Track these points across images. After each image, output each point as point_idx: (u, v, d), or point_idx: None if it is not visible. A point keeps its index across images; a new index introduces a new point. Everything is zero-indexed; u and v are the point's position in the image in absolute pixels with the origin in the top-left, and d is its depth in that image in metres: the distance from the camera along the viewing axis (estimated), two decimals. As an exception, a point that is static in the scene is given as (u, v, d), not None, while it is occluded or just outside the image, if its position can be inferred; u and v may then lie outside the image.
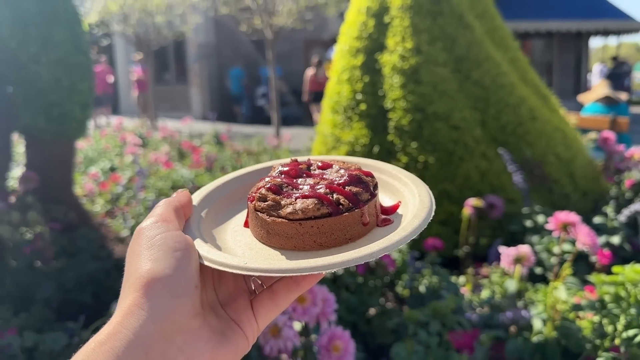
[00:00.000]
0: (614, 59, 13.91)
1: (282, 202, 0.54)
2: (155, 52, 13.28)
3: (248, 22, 9.74)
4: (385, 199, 0.63)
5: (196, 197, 0.62)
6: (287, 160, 0.65)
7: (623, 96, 5.10)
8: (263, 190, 0.56)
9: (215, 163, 5.39)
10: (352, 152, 3.28)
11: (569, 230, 2.08)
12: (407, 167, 3.09)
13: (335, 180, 0.57)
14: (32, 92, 3.03)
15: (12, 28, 2.92)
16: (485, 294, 2.41)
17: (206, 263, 0.49)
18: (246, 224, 0.60)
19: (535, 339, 1.92)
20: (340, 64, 3.53)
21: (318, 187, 0.56)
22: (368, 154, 3.21)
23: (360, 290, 2.43)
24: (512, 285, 2.12)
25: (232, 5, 9.72)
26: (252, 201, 0.57)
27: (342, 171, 0.59)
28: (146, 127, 9.60)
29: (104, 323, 1.40)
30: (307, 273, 0.47)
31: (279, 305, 0.53)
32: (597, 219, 2.85)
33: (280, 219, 0.53)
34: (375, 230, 0.56)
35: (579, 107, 5.38)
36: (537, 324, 1.96)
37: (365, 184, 0.57)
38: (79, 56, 3.13)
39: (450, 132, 3.07)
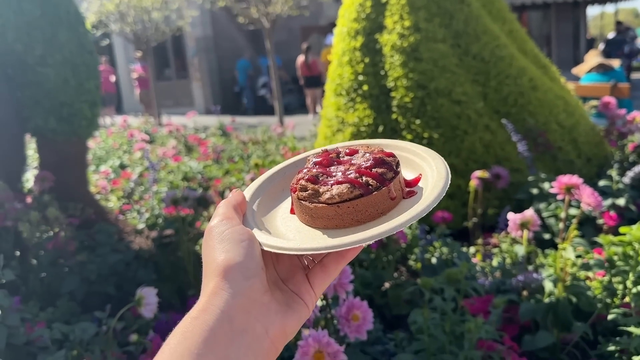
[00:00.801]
0: (618, 23, 13.70)
1: (321, 190, 0.63)
2: (154, 49, 13.29)
3: (244, 12, 9.74)
4: (407, 174, 0.71)
5: (247, 193, 0.72)
6: (319, 150, 0.74)
7: (615, 63, 5.13)
8: (303, 182, 0.65)
9: (222, 154, 5.45)
10: (357, 133, 3.33)
11: (573, 193, 2.13)
12: (412, 144, 3.14)
13: (363, 165, 0.65)
14: (41, 94, 3.09)
15: (17, 32, 2.97)
16: (496, 261, 2.47)
17: (266, 249, 0.59)
18: (292, 211, 0.70)
19: (547, 300, 1.98)
20: (340, 46, 3.57)
21: (349, 172, 0.65)
22: (373, 134, 3.27)
23: (374, 265, 2.50)
24: (521, 249, 2.18)
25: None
26: (294, 192, 0.66)
27: (367, 155, 0.68)
28: (151, 123, 9.67)
29: (130, 311, 1.50)
30: (350, 247, 0.56)
31: (330, 275, 0.63)
32: (602, 182, 2.90)
33: (321, 205, 0.63)
34: (403, 202, 0.65)
35: (576, 79, 5.40)
36: (548, 285, 2.02)
37: (388, 164, 0.65)
38: (85, 55, 3.18)
39: (453, 107, 3.12)
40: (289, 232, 0.66)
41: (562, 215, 2.57)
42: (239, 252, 0.56)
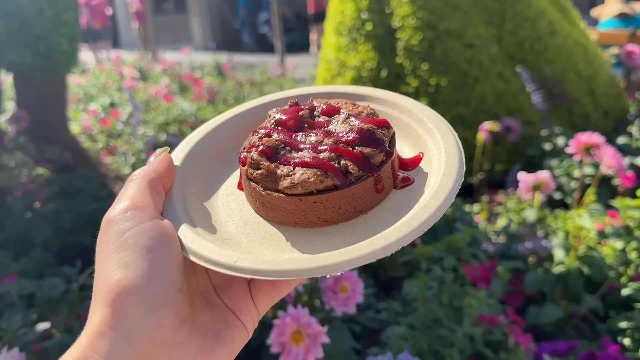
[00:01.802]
0: None
1: (278, 172, 0.44)
2: (151, -19, 12.71)
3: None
4: (404, 148, 0.52)
5: (180, 154, 0.51)
6: (289, 94, 0.55)
7: (638, 7, 4.77)
8: (255, 155, 0.46)
9: (217, 95, 5.19)
10: (358, 78, 3.08)
11: (593, 153, 1.92)
12: (417, 91, 2.89)
13: (343, 137, 0.46)
14: (15, 26, 2.83)
15: (-15, -46, 2.69)
16: (501, 222, 2.30)
17: (191, 258, 0.41)
18: (240, 186, 0.51)
19: (556, 269, 1.82)
20: (343, -20, 3.26)
21: (321, 147, 0.45)
22: (375, 79, 3.02)
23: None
24: (531, 214, 2.00)
25: None
26: (243, 164, 0.47)
27: (351, 120, 0.48)
28: (146, 60, 9.32)
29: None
30: (306, 277, 0.38)
31: (281, 291, 0.45)
32: (620, 140, 2.68)
33: (276, 194, 0.44)
34: (393, 194, 0.46)
35: (594, 22, 5.07)
36: (558, 254, 1.85)
37: (379, 142, 0.46)
38: (61, -17, 2.90)
39: (464, 51, 2.85)
40: (231, 221, 0.47)
41: (577, 174, 2.37)
42: (143, 268, 0.37)
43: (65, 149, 2.86)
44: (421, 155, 0.49)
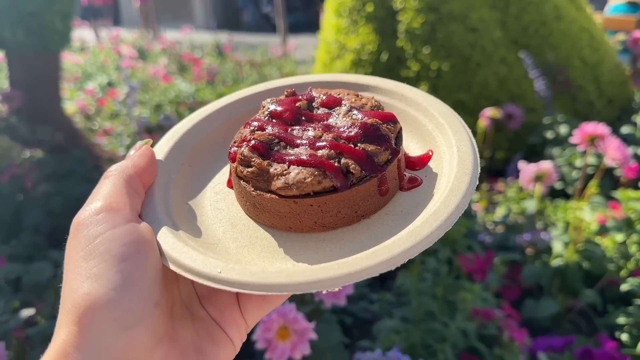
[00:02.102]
0: None
1: (271, 170, 0.40)
2: (153, -43, 12.52)
3: None
4: (411, 144, 0.47)
5: (164, 147, 0.47)
6: (286, 82, 0.51)
7: None
8: (246, 151, 0.41)
9: (217, 76, 5.12)
10: (357, 61, 3.01)
11: (597, 144, 1.87)
12: (418, 76, 2.83)
13: (344, 132, 0.42)
14: (7, 2, 2.76)
15: None
16: (500, 211, 2.25)
17: (171, 267, 0.37)
18: (229, 184, 0.46)
19: (554, 262, 1.78)
20: (344, -41, 3.18)
21: (320, 143, 0.41)
22: (375, 62, 2.95)
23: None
24: (531, 205, 1.95)
25: None
26: (233, 161, 0.43)
27: (354, 113, 0.44)
28: (147, 38, 9.21)
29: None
30: (298, 292, 0.34)
31: (272, 302, 0.41)
32: (625, 129, 2.62)
33: (269, 195, 0.39)
34: (398, 197, 0.42)
35: (603, 5, 4.98)
36: (557, 246, 1.81)
37: (383, 138, 0.41)
38: (54, -42, 2.82)
39: (467, 35, 2.78)
40: (218, 224, 0.43)
41: (580, 165, 2.32)
42: (114, 281, 0.33)
43: (58, 130, 2.81)
44: (430, 153, 0.45)
